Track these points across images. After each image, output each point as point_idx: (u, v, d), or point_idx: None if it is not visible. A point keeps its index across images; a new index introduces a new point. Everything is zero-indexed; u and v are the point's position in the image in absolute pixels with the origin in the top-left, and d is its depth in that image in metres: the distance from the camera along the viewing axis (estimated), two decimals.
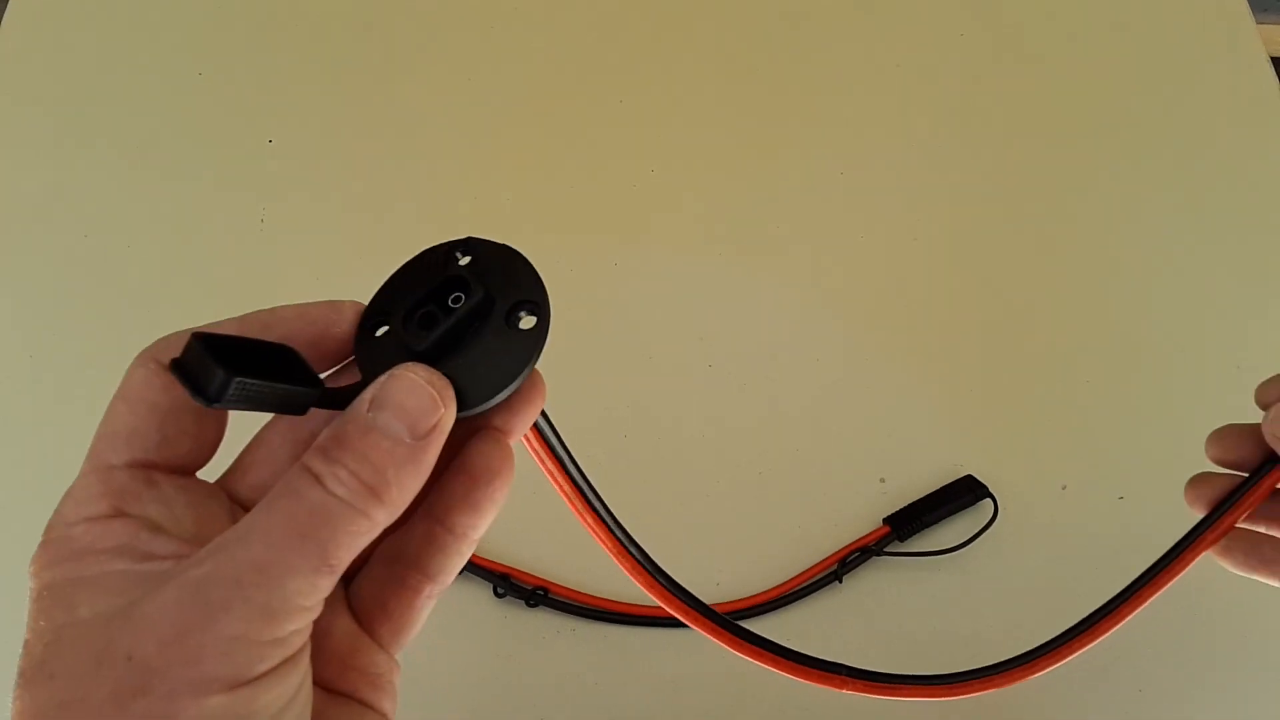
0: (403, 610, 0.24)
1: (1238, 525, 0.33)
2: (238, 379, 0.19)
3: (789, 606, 0.47)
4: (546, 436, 0.26)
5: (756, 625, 0.47)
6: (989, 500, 0.48)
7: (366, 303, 0.25)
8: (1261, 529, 0.33)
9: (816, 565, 0.47)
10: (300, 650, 0.20)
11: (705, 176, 0.59)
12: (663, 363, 0.53)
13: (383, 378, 0.21)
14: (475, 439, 0.24)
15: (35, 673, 0.19)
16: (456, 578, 0.48)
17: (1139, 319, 0.55)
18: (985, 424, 0.52)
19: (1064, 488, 0.50)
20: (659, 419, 0.52)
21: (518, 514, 0.50)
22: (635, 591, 0.48)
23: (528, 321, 0.24)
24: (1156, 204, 0.59)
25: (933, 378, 0.53)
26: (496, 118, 0.61)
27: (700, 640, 0.47)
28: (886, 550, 0.48)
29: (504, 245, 0.24)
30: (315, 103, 0.61)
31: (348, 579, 0.24)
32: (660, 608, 0.47)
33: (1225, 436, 0.33)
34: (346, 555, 0.20)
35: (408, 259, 0.25)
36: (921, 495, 0.49)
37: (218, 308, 0.58)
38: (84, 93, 0.61)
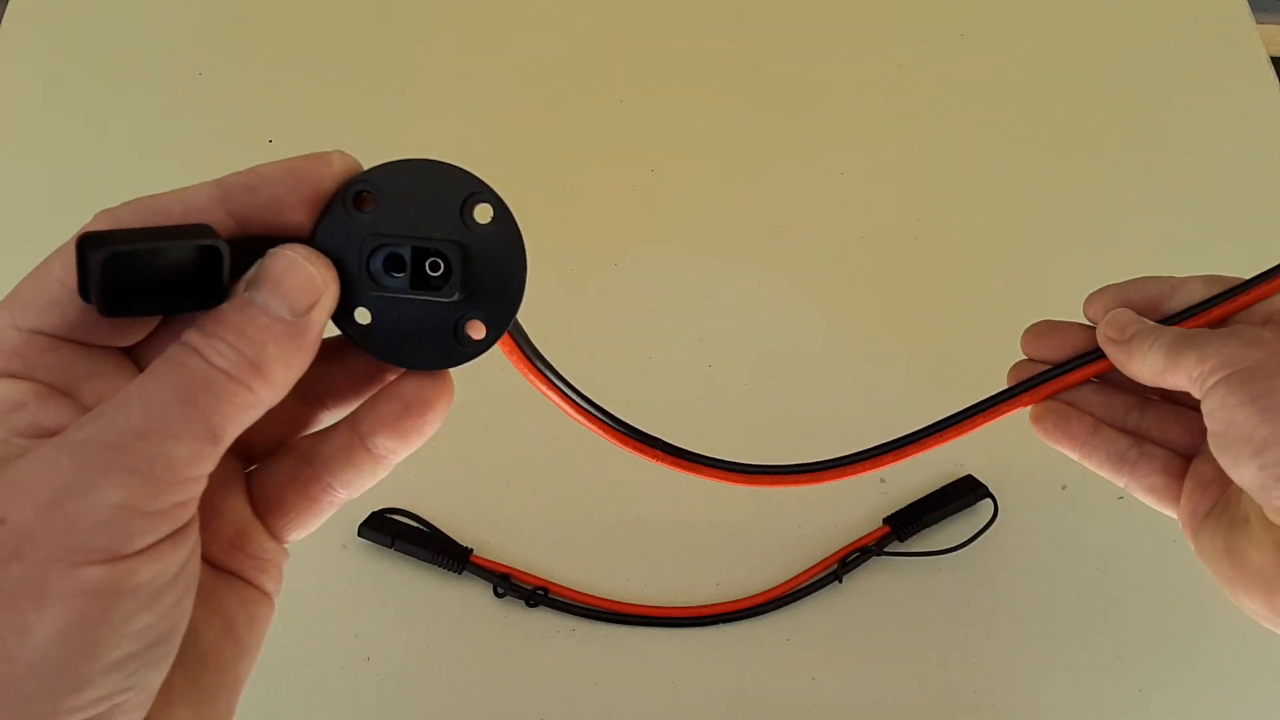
0: (302, 507, 0.24)
1: (1057, 397, 0.35)
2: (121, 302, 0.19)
3: (789, 606, 0.47)
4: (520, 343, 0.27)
5: (756, 625, 0.47)
6: (989, 500, 0.48)
7: (359, 163, 0.25)
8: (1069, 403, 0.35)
9: (817, 565, 0.47)
10: (186, 526, 0.19)
11: (705, 177, 0.59)
12: (663, 363, 0.53)
13: (266, 256, 0.21)
14: (417, 375, 0.24)
15: None
16: (457, 577, 0.48)
17: None
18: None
19: (1064, 488, 0.50)
20: (659, 419, 0.52)
21: (518, 514, 0.50)
22: (635, 591, 0.48)
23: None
24: (1156, 204, 0.59)
25: (933, 377, 0.53)
26: (496, 118, 0.61)
27: (700, 640, 0.47)
28: (887, 550, 0.48)
29: (516, 237, 0.25)
30: (315, 103, 0.61)
31: (250, 464, 0.24)
32: (660, 607, 0.47)
33: (1043, 333, 0.36)
34: (231, 428, 0.20)
35: (438, 160, 0.25)
36: (921, 495, 0.49)
37: None
38: (84, 92, 0.61)
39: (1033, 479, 0.50)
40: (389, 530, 0.46)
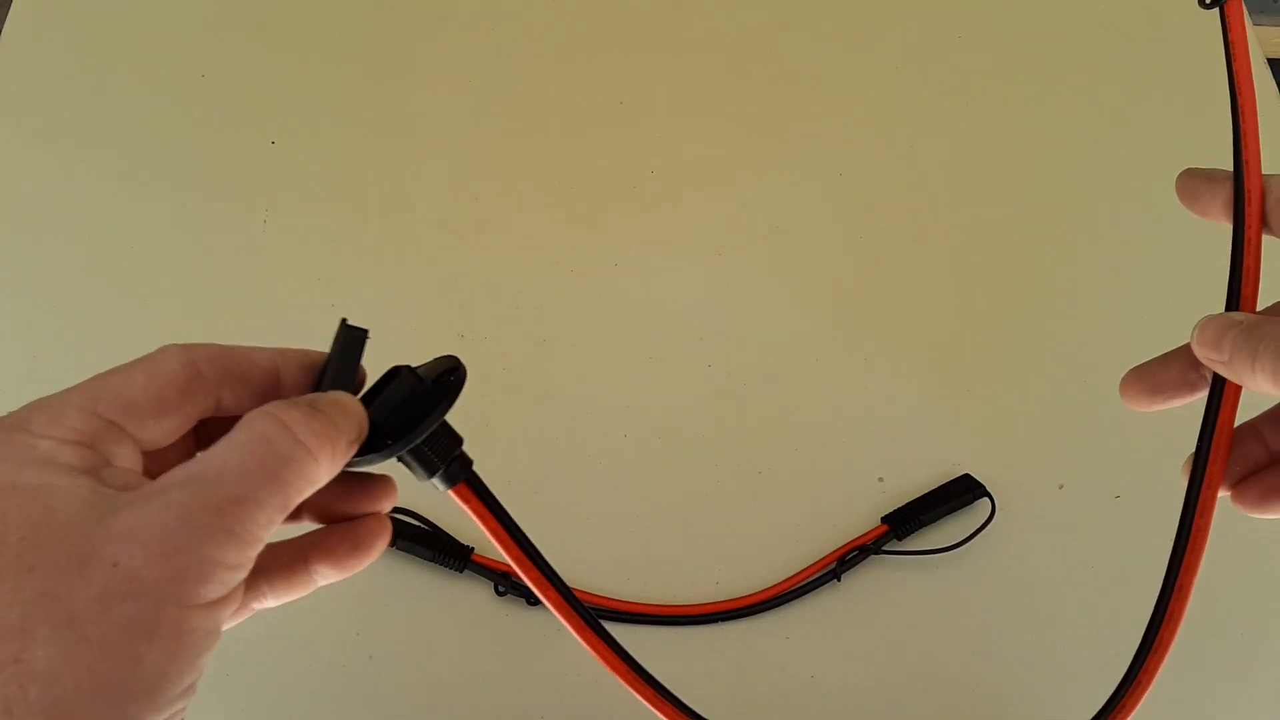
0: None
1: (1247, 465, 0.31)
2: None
3: (788, 605, 0.47)
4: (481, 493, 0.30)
5: (756, 624, 0.47)
6: (986, 499, 0.48)
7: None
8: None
9: (815, 564, 0.47)
10: (241, 586, 0.22)
11: (705, 177, 0.59)
12: (663, 363, 0.53)
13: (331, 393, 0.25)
14: (369, 516, 0.28)
15: (13, 564, 0.20)
16: (458, 576, 0.48)
17: (1138, 319, 0.55)
18: (983, 423, 0.52)
19: (1061, 487, 0.50)
20: (659, 419, 0.52)
21: (518, 514, 0.50)
22: (635, 590, 0.48)
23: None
24: (1155, 204, 0.59)
25: (931, 377, 0.53)
26: (497, 118, 0.61)
27: (700, 639, 0.47)
28: (885, 549, 0.48)
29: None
30: (317, 104, 0.61)
31: None
32: (660, 606, 0.47)
33: (1139, 381, 0.32)
34: (298, 499, 0.23)
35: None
36: (919, 494, 0.49)
37: (219, 309, 0.58)
38: (86, 94, 0.61)
39: (1030, 478, 0.50)
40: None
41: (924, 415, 0.52)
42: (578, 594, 0.47)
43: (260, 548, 0.22)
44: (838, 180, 0.59)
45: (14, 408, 0.55)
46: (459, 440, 0.29)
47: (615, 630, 0.47)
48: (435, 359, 0.29)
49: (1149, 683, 0.33)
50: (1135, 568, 0.49)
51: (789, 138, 0.61)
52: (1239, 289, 0.30)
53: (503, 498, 0.50)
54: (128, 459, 0.23)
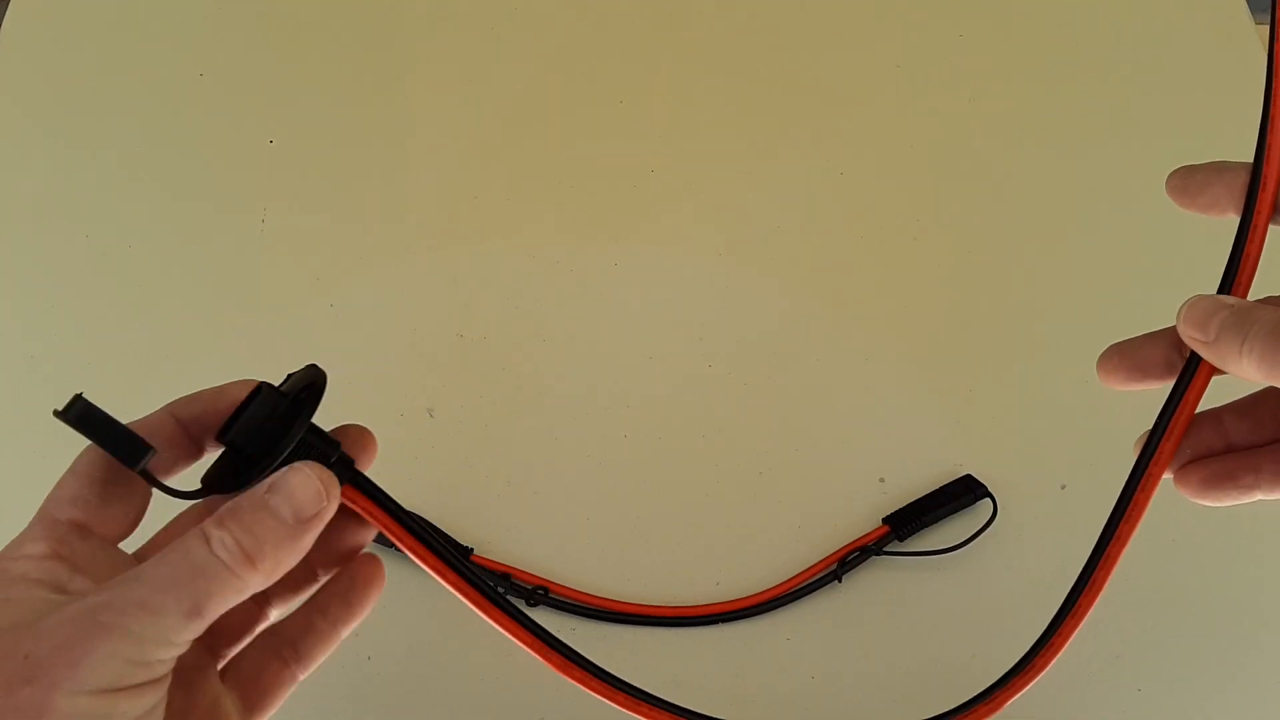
0: (270, 684, 0.29)
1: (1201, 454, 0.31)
2: (86, 402, 0.26)
3: (789, 606, 0.47)
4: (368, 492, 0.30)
5: (756, 624, 0.47)
6: (988, 500, 0.48)
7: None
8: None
9: (816, 565, 0.47)
10: (161, 678, 0.24)
11: (705, 177, 0.59)
12: (663, 363, 0.53)
13: (285, 469, 0.26)
14: (362, 554, 0.30)
15: None
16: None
17: (1137, 319, 0.54)
18: (984, 424, 0.52)
19: (1063, 487, 0.50)
20: (659, 419, 0.52)
21: (518, 514, 0.50)
22: (635, 591, 0.48)
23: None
24: (1155, 205, 0.58)
25: (932, 378, 0.53)
26: (497, 118, 0.61)
27: (700, 640, 0.47)
28: (886, 550, 0.48)
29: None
30: (316, 103, 0.61)
31: (222, 653, 0.29)
32: (660, 607, 0.47)
33: (1118, 357, 0.31)
34: (216, 608, 0.24)
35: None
36: (921, 495, 0.49)
37: (218, 309, 0.58)
38: (85, 93, 0.61)
39: (1032, 478, 0.50)
40: None
41: (925, 415, 0.52)
42: (576, 594, 0.47)
43: (175, 650, 0.24)
44: (838, 180, 0.59)
45: (14, 408, 0.55)
46: (334, 444, 0.29)
47: (615, 630, 0.47)
48: (300, 370, 0.29)
49: (1061, 646, 0.33)
50: (1136, 568, 0.49)
51: (789, 137, 0.61)
52: (1234, 274, 0.30)
53: (503, 498, 0.50)
54: (97, 556, 0.26)
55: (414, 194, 0.58)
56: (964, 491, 0.49)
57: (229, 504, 0.25)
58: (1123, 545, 0.32)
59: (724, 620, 0.46)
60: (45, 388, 0.52)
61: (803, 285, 0.56)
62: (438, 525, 0.47)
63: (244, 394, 0.28)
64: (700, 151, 0.60)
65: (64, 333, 0.53)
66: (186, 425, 0.28)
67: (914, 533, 0.48)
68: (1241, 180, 0.30)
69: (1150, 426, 0.31)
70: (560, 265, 0.56)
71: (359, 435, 0.30)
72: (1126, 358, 0.31)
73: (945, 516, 0.48)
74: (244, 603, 0.26)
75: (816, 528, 0.49)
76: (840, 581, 0.47)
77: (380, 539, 0.46)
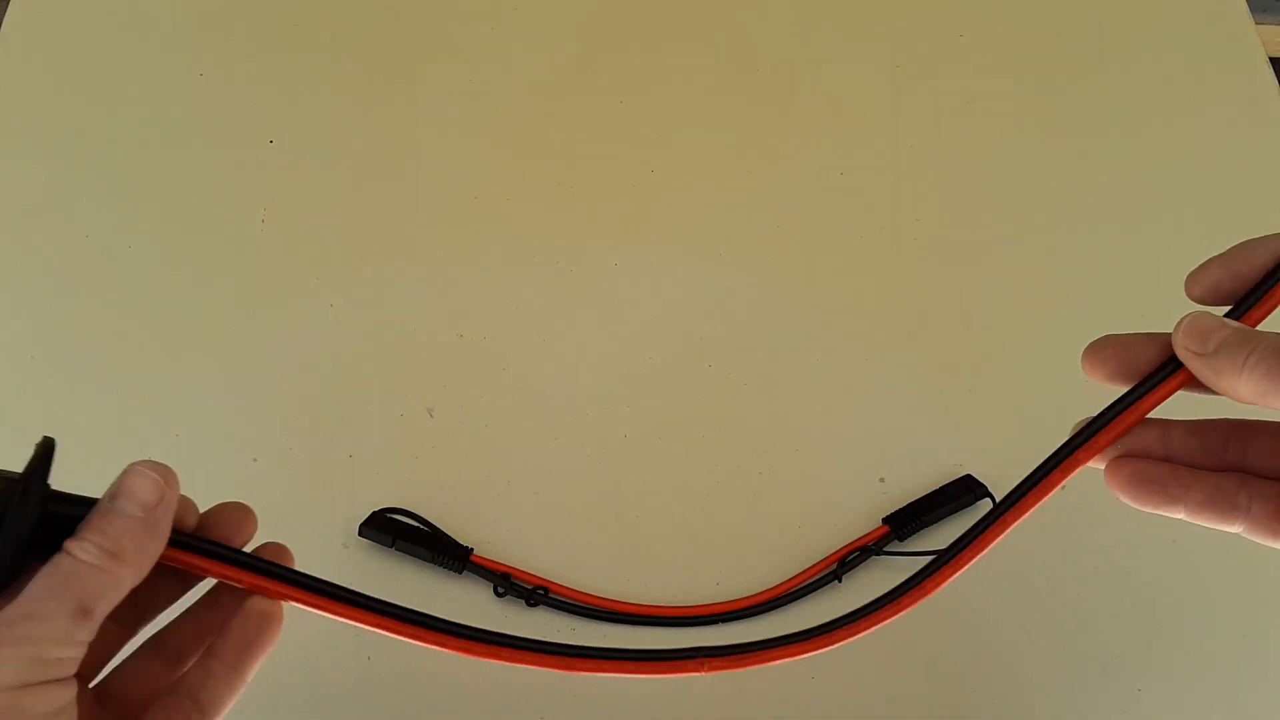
0: None
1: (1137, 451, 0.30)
2: None
3: (789, 606, 0.47)
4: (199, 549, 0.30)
5: (756, 624, 0.47)
6: (988, 500, 0.48)
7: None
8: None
9: (816, 565, 0.47)
10: (66, 680, 0.25)
11: (705, 177, 0.59)
12: (663, 363, 0.53)
13: (120, 474, 0.28)
14: (252, 597, 0.30)
15: None
16: (457, 577, 0.48)
17: (1137, 319, 0.54)
18: (984, 424, 0.52)
19: (1062, 487, 0.50)
20: (659, 419, 0.52)
21: (518, 514, 0.50)
22: (635, 591, 0.48)
23: None
24: (1156, 205, 0.59)
25: (932, 377, 0.53)
26: (497, 117, 0.61)
27: (700, 640, 0.47)
28: (886, 550, 0.48)
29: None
30: (315, 103, 0.61)
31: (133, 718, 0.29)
32: (660, 607, 0.47)
33: (1106, 349, 0.30)
34: (102, 604, 0.26)
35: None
36: (921, 495, 0.49)
37: (217, 308, 0.58)
38: (84, 93, 0.61)
39: None
40: (389, 530, 0.47)
41: (925, 415, 0.52)
42: (576, 594, 0.47)
43: (73, 649, 0.25)
44: (838, 180, 0.59)
45: (13, 407, 0.55)
46: (89, 502, 0.28)
47: (615, 630, 0.47)
48: (37, 444, 0.29)
49: (932, 591, 0.32)
50: (1137, 569, 0.49)
51: (789, 137, 0.61)
52: (1251, 306, 0.29)
53: (503, 498, 0.50)
54: None
55: (414, 194, 0.58)
56: (964, 491, 0.48)
57: (83, 521, 0.27)
58: (1020, 515, 0.31)
59: (724, 620, 0.46)
60: (45, 387, 0.52)
61: (802, 285, 0.56)
62: (438, 525, 0.47)
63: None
64: (700, 151, 0.60)
65: (64, 333, 0.53)
66: None
67: (914, 533, 0.48)
68: (1146, 356, 0.29)
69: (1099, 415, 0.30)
70: (560, 265, 0.56)
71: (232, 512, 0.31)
72: (1121, 350, 0.30)
73: (945, 516, 0.48)
74: (151, 667, 0.29)
75: (816, 528, 0.49)
76: (840, 581, 0.47)
77: (393, 544, 0.46)
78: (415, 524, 0.47)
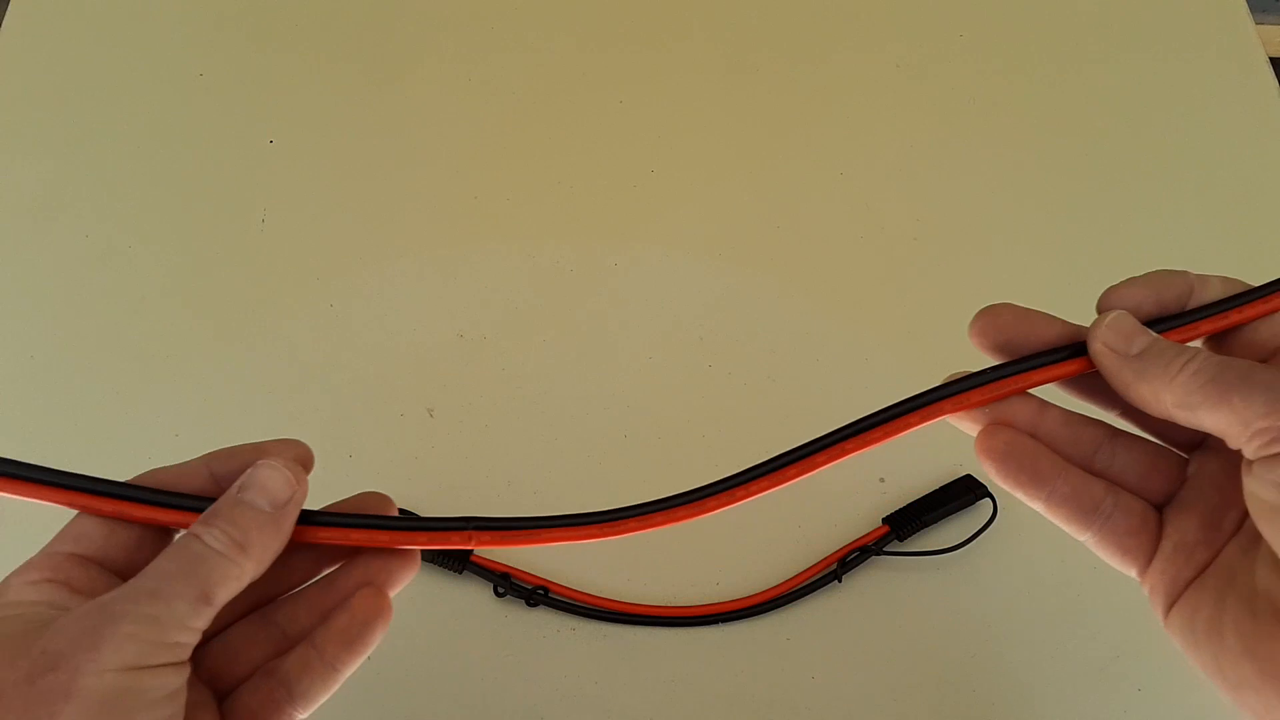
0: None
1: (1009, 419, 0.28)
2: None
3: (789, 606, 0.47)
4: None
5: (756, 625, 0.47)
6: (988, 500, 0.48)
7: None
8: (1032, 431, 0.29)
9: (816, 565, 0.47)
10: (182, 663, 0.25)
11: (705, 177, 0.59)
12: (663, 363, 0.53)
13: (251, 467, 0.28)
14: (362, 590, 0.30)
15: None
16: (457, 577, 0.48)
17: None
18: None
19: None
20: (659, 419, 0.52)
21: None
22: (635, 591, 0.48)
23: None
24: (1156, 205, 0.59)
25: (932, 378, 0.53)
26: (497, 118, 0.61)
27: (700, 640, 0.47)
28: (886, 550, 0.48)
29: None
30: (316, 103, 0.61)
31: (224, 692, 0.29)
32: (660, 607, 0.47)
33: (1005, 319, 0.29)
34: (221, 592, 0.26)
35: None
36: (921, 495, 0.49)
37: (218, 309, 0.58)
38: (84, 93, 0.61)
39: None
40: None
41: None
42: (576, 594, 0.47)
43: (191, 636, 0.26)
44: (838, 179, 0.59)
45: (14, 407, 0.55)
46: None
47: (615, 630, 0.47)
48: None
49: (742, 497, 0.33)
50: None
51: (789, 137, 0.61)
52: (1170, 329, 0.27)
53: (503, 498, 0.50)
54: (96, 581, 0.27)
55: (414, 194, 0.58)
56: (964, 491, 0.48)
57: (210, 508, 0.27)
58: (857, 449, 0.31)
59: (724, 620, 0.46)
60: (44, 387, 0.52)
61: (803, 285, 0.56)
62: None
63: (287, 451, 0.29)
64: (700, 151, 0.60)
65: (64, 333, 0.53)
66: (220, 480, 0.29)
67: (914, 533, 0.48)
68: (1043, 336, 0.28)
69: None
70: (560, 265, 0.56)
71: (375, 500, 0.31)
72: (1018, 321, 0.29)
73: (945, 516, 0.48)
74: (255, 640, 0.29)
75: (816, 528, 0.49)
76: (840, 581, 0.47)
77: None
78: None
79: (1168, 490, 0.28)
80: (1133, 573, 0.28)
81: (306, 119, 0.60)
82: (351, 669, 0.30)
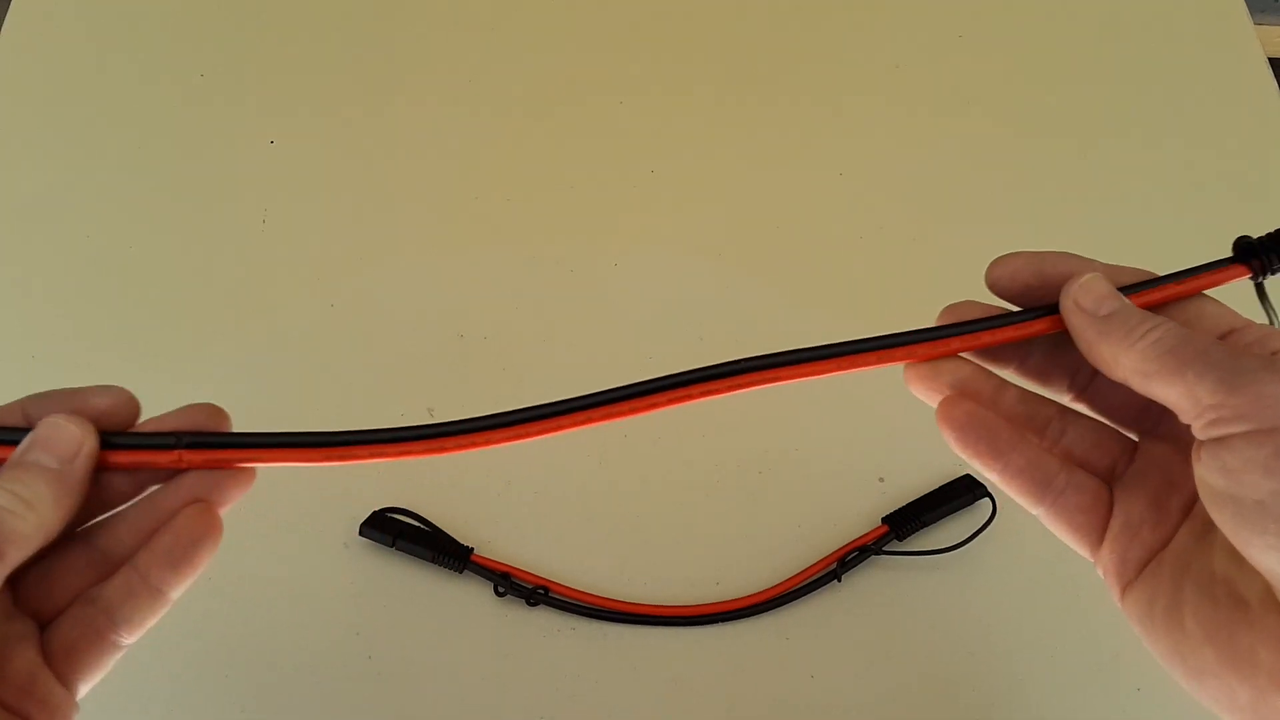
0: (89, 653, 0.28)
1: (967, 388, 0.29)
2: None
3: (788, 606, 0.47)
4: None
5: (756, 625, 0.47)
6: (987, 499, 0.48)
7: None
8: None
9: (816, 564, 0.47)
10: None
11: (705, 177, 0.59)
12: (663, 363, 0.53)
13: (39, 423, 0.28)
14: (188, 507, 0.28)
15: None
16: (458, 576, 0.48)
17: None
18: None
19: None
20: (659, 419, 0.52)
21: (518, 514, 0.50)
22: (635, 591, 0.48)
23: None
24: (1156, 205, 0.59)
25: None
26: (497, 118, 0.61)
27: (700, 639, 0.47)
28: (885, 549, 0.48)
29: None
30: (316, 103, 0.61)
31: (46, 620, 0.28)
32: (660, 607, 0.47)
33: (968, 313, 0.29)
34: (14, 552, 0.25)
35: None
36: (920, 495, 0.49)
37: (218, 309, 0.58)
38: (85, 93, 0.61)
39: None
40: (390, 529, 0.47)
41: (925, 415, 0.52)
42: (576, 594, 0.47)
43: None
44: (838, 179, 0.59)
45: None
46: None
47: (615, 630, 0.47)
48: None
49: (605, 419, 0.32)
50: None
51: (789, 137, 0.61)
52: (1163, 285, 0.28)
53: (503, 497, 0.50)
54: None
55: (414, 194, 0.58)
56: (964, 491, 0.49)
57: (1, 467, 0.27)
58: (799, 375, 0.31)
59: (724, 620, 0.46)
60: (45, 387, 0.51)
61: (802, 285, 0.56)
62: (438, 525, 0.47)
63: (104, 401, 0.29)
64: (700, 151, 0.60)
65: (64, 333, 0.53)
66: (35, 424, 0.28)
67: (914, 532, 0.48)
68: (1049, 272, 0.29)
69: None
70: (560, 265, 0.56)
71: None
72: (1035, 266, 0.29)
73: (945, 516, 0.48)
74: (75, 567, 0.28)
75: (816, 528, 0.49)
76: (840, 581, 0.47)
77: (393, 544, 0.46)
78: (416, 524, 0.47)
79: (1115, 468, 0.29)
80: (1085, 552, 0.28)
81: (306, 119, 0.60)
82: (178, 591, 0.28)
